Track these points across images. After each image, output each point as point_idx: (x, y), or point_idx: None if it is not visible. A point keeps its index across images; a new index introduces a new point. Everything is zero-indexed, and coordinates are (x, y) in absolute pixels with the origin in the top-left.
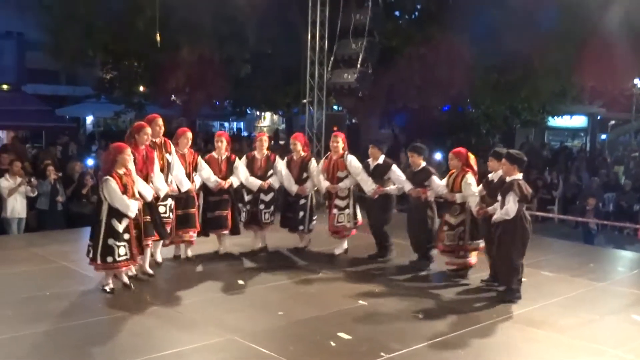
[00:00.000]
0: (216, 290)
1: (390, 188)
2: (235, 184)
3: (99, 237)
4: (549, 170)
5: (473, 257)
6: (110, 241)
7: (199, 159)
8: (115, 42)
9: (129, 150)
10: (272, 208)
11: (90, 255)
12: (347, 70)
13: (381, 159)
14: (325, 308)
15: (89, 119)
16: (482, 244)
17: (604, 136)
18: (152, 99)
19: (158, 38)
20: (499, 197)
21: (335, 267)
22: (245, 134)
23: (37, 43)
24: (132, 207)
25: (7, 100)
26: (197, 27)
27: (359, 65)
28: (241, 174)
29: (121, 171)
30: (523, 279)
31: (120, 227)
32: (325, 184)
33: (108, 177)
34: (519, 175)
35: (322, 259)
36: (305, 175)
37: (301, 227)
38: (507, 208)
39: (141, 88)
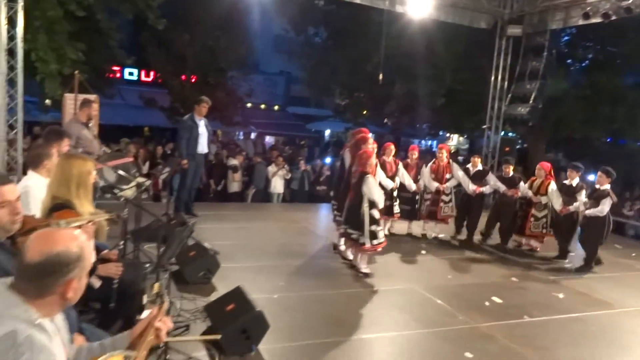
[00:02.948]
0: (403, 255)
1: (485, 188)
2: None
3: (365, 226)
4: None
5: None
6: (373, 227)
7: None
8: (349, 79)
9: (374, 156)
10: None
11: (361, 241)
12: (521, 105)
13: (479, 166)
14: (485, 279)
15: (327, 132)
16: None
17: None
18: (371, 120)
19: (380, 77)
20: (580, 198)
21: (492, 249)
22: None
23: (297, 78)
24: (382, 199)
25: (277, 116)
26: (408, 70)
27: (531, 101)
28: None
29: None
30: None
31: (377, 215)
32: (435, 184)
33: (369, 175)
34: (609, 185)
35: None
36: (419, 177)
37: (416, 217)
38: (603, 208)
39: (364, 112)
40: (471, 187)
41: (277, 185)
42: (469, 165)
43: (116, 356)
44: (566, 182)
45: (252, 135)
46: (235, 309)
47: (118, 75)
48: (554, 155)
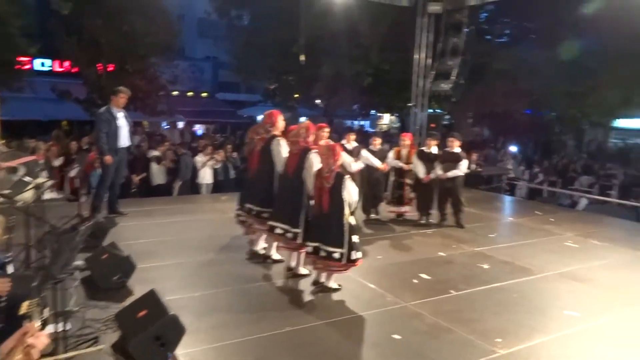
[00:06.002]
0: None
1: (358, 164)
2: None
3: (348, 238)
4: (611, 162)
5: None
6: (354, 238)
7: None
8: (277, 62)
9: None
10: None
11: (348, 258)
12: (444, 82)
13: (353, 144)
14: (413, 256)
15: (259, 117)
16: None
17: None
18: (302, 103)
19: (303, 58)
20: (462, 164)
21: (426, 228)
22: (369, 130)
23: (225, 64)
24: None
25: (205, 103)
26: (335, 51)
27: (454, 78)
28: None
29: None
30: (575, 245)
31: (353, 221)
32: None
33: (348, 177)
34: (459, 148)
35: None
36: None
37: None
38: (462, 168)
39: (295, 95)
40: (354, 166)
41: (206, 176)
42: (345, 143)
43: None
44: (448, 149)
45: (180, 125)
46: (148, 314)
47: (28, 66)
48: (480, 129)
